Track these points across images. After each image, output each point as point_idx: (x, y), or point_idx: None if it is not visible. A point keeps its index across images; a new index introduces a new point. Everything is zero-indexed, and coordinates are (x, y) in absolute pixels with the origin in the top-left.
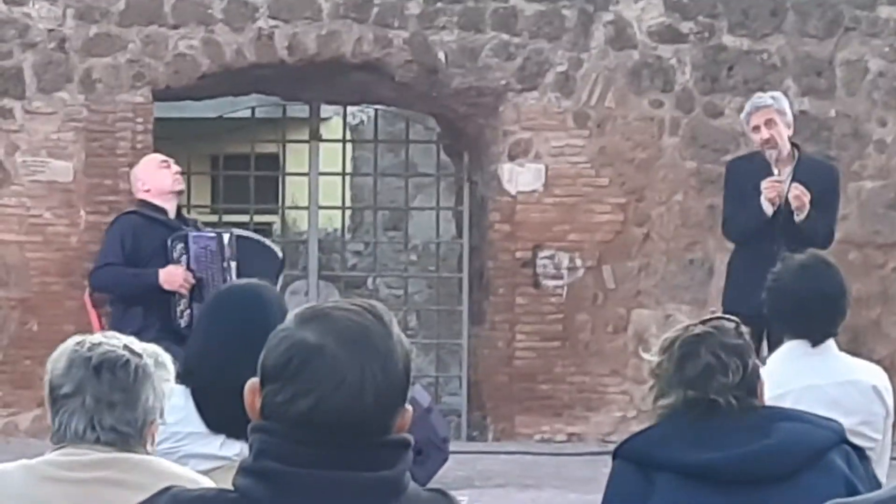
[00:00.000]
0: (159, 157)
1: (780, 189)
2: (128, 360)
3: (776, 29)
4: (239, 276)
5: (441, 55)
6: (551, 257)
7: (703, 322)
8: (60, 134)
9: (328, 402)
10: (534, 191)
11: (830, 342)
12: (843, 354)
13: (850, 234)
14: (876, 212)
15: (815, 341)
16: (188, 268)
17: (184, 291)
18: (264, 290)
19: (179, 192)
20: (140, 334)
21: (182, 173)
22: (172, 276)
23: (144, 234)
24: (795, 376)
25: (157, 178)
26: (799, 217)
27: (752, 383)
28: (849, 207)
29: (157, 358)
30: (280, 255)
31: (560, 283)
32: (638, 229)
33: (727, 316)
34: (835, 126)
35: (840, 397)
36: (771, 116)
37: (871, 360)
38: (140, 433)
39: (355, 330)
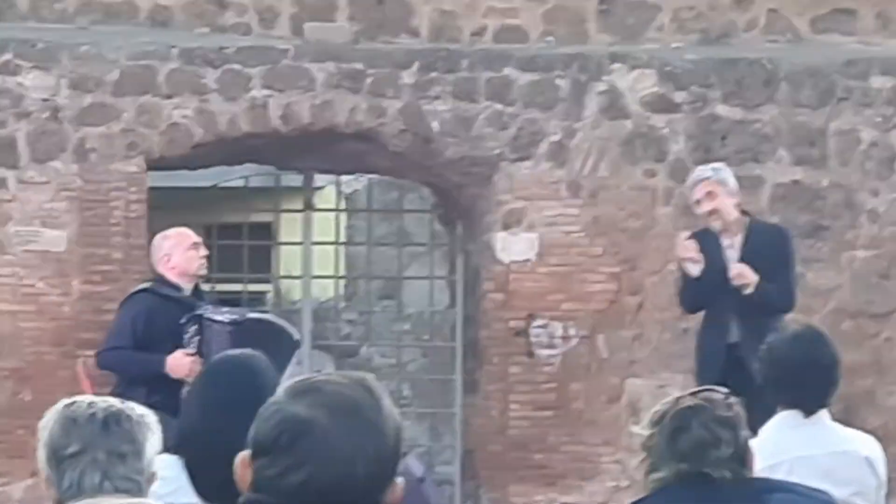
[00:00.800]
0: (192, 237)
1: (692, 251)
2: (129, 414)
3: (769, 99)
4: None
5: (435, 125)
6: (545, 326)
7: (694, 394)
8: (54, 203)
9: (320, 477)
10: (527, 260)
11: (823, 412)
12: (836, 425)
13: (843, 303)
14: (869, 281)
15: (809, 411)
16: (199, 350)
17: (190, 380)
18: (255, 361)
19: (202, 277)
20: None
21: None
22: (179, 365)
23: (158, 314)
24: (788, 447)
25: (184, 259)
26: (747, 292)
27: (743, 455)
28: (842, 277)
29: (148, 417)
30: (297, 337)
31: (554, 352)
32: (632, 298)
33: (717, 388)
34: (828, 196)
35: (833, 468)
36: (712, 188)
37: (864, 430)
38: (148, 483)
39: (346, 404)
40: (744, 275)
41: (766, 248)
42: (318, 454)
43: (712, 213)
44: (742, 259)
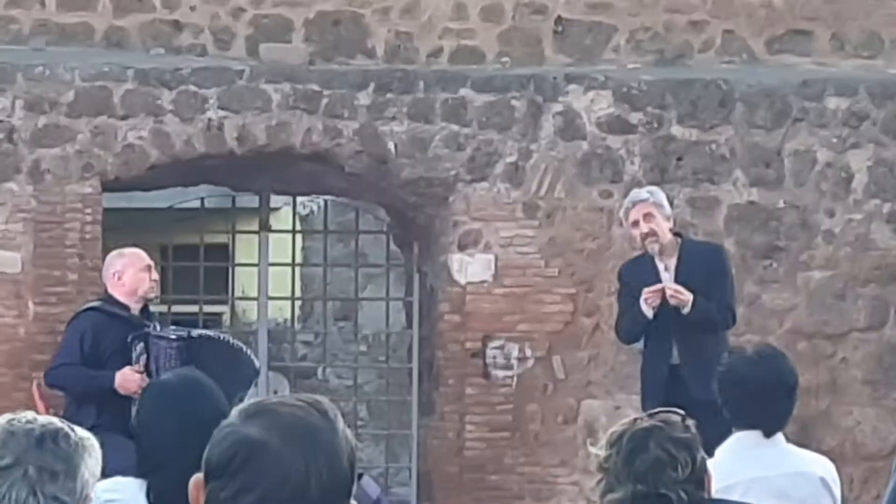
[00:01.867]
0: (145, 259)
1: (658, 297)
2: (67, 433)
3: (725, 120)
4: None
5: (391, 146)
6: (501, 347)
7: (651, 416)
8: (8, 225)
9: (273, 499)
10: (483, 281)
11: (779, 434)
12: (792, 446)
13: (798, 324)
14: (824, 302)
15: (769, 432)
16: (146, 368)
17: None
18: (199, 379)
19: (151, 299)
20: (93, 430)
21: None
22: (128, 381)
23: (105, 332)
24: (744, 467)
25: (135, 280)
26: (685, 311)
27: (700, 477)
28: (797, 297)
29: (89, 441)
30: (257, 364)
31: (510, 373)
32: (588, 319)
33: (673, 409)
34: (783, 216)
35: (788, 489)
36: (648, 210)
37: (819, 450)
38: None
39: (300, 426)
40: (678, 294)
41: (702, 267)
42: (271, 476)
43: (650, 234)
44: (677, 280)
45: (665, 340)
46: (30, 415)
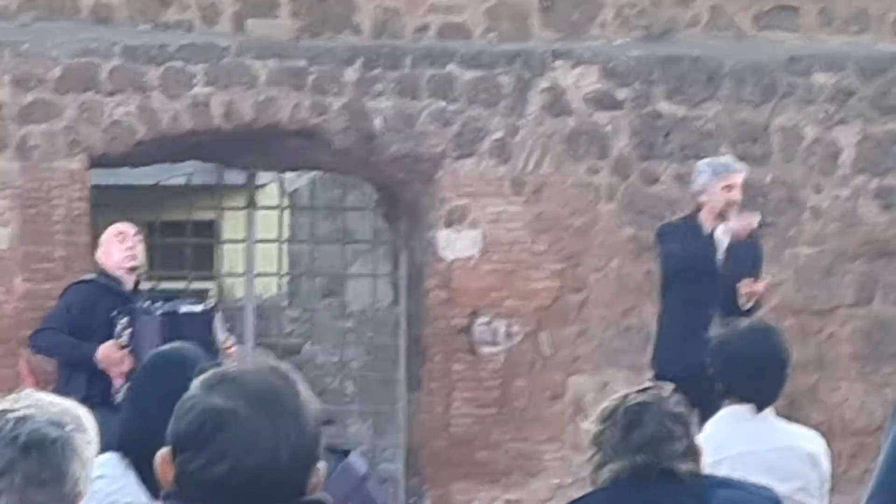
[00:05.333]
0: (119, 227)
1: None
2: (55, 440)
3: (712, 96)
4: None
5: (378, 122)
6: (488, 324)
7: (642, 391)
8: None
9: (244, 466)
10: (470, 257)
11: (770, 408)
12: (781, 420)
13: (786, 300)
14: (812, 278)
15: (761, 406)
16: (129, 344)
17: (116, 373)
18: (191, 352)
19: (132, 269)
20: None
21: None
22: (108, 357)
23: (95, 305)
24: (733, 442)
25: (109, 252)
26: (743, 305)
27: (695, 451)
28: (785, 273)
29: (78, 423)
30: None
31: (497, 349)
32: (575, 295)
33: (662, 384)
34: (770, 192)
35: (777, 463)
36: (740, 181)
37: (808, 426)
38: (75, 501)
39: (264, 392)
40: (753, 294)
41: (751, 252)
42: (240, 444)
43: (734, 203)
44: (729, 261)
45: (708, 309)
46: (17, 413)
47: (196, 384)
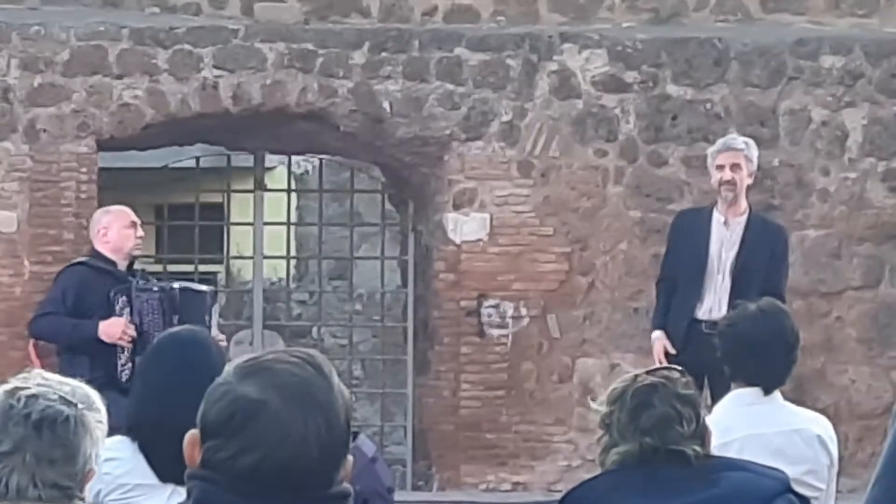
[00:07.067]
0: (130, 216)
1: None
2: (67, 417)
3: (720, 78)
4: None
5: (386, 105)
6: (496, 306)
7: (650, 373)
8: (4, 184)
9: (273, 458)
10: (478, 240)
11: (777, 391)
12: (788, 404)
13: (794, 283)
14: (819, 261)
15: (769, 388)
16: (131, 321)
17: (123, 344)
18: (200, 335)
19: (136, 256)
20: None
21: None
22: (112, 329)
23: (90, 287)
24: (741, 424)
25: (120, 237)
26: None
27: (703, 433)
28: (793, 256)
29: (89, 402)
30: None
31: (505, 332)
32: (582, 278)
33: (672, 366)
34: (778, 175)
35: (785, 446)
36: (739, 161)
37: (815, 409)
38: (80, 485)
39: (297, 383)
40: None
41: (767, 246)
42: (271, 436)
43: (729, 182)
44: (742, 252)
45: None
46: (29, 390)
47: (229, 370)
